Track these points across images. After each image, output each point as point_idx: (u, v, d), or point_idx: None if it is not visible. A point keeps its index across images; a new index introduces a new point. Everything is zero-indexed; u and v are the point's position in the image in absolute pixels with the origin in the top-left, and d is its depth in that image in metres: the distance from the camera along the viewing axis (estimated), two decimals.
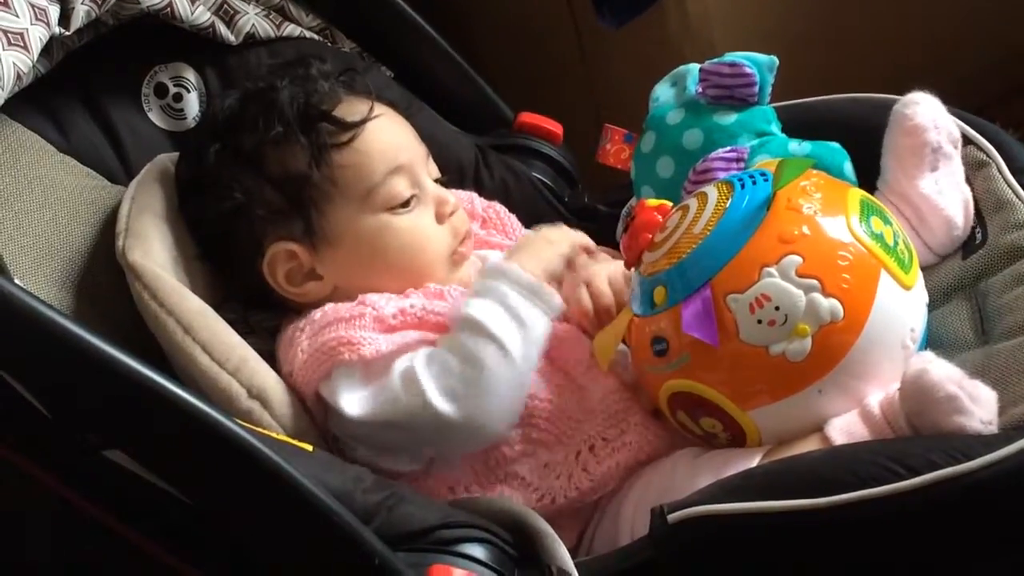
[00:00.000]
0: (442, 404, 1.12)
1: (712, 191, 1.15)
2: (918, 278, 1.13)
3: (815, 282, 1.06)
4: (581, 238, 1.28)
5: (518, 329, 1.14)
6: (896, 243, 1.12)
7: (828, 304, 1.06)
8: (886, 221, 1.13)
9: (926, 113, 1.22)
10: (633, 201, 1.36)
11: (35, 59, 1.17)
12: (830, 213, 1.10)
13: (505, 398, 1.15)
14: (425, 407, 1.12)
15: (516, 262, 1.18)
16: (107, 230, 1.24)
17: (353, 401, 1.14)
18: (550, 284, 1.19)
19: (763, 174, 1.14)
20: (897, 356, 1.09)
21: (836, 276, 1.07)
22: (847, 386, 1.08)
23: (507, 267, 1.17)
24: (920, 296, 1.13)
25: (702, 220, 1.13)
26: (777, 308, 1.06)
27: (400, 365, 1.14)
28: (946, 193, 1.21)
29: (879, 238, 1.10)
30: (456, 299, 1.20)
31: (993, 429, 1.01)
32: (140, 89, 1.34)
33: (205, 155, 1.24)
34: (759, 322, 1.07)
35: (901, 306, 1.10)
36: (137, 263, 1.18)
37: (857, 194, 1.15)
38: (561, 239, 1.25)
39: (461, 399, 1.12)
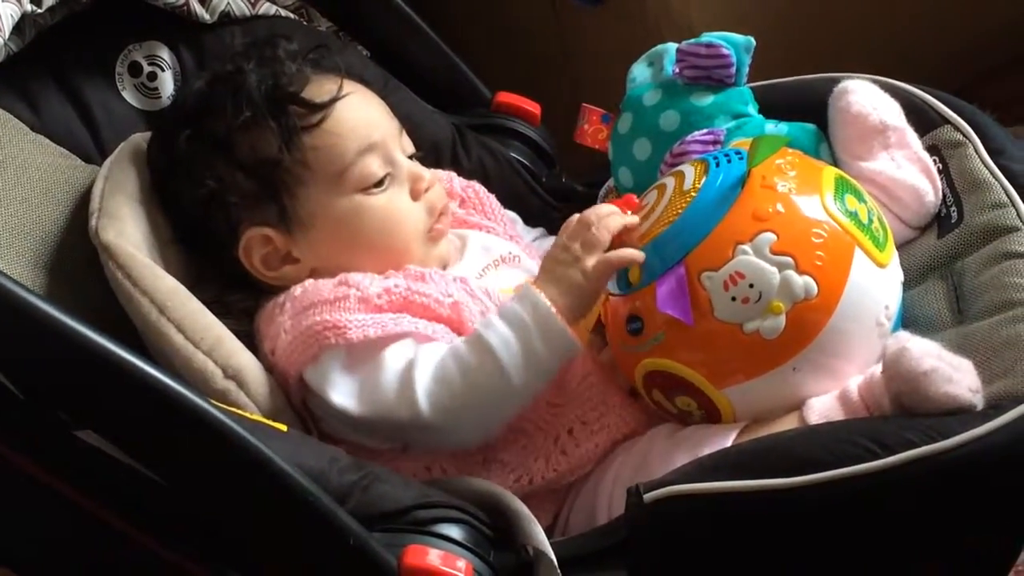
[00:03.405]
0: (430, 414, 1.11)
1: (688, 169, 1.15)
2: (893, 256, 1.13)
3: (789, 259, 1.07)
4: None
5: (532, 372, 1.12)
6: (871, 221, 1.12)
7: (802, 281, 1.06)
8: (861, 199, 1.13)
9: (862, 99, 1.22)
10: (611, 182, 1.36)
11: (7, 37, 1.16)
12: (805, 191, 1.10)
13: (495, 423, 1.15)
14: (411, 411, 1.11)
15: (553, 295, 1.13)
16: (80, 209, 1.22)
17: (340, 390, 1.14)
18: (579, 319, 1.15)
19: (738, 153, 1.14)
20: (872, 334, 1.09)
21: (810, 253, 1.07)
22: (821, 364, 1.08)
23: (543, 308, 1.12)
24: (895, 274, 1.13)
25: (677, 198, 1.13)
26: (751, 285, 1.07)
27: (398, 361, 1.13)
28: (904, 165, 1.21)
29: (854, 216, 1.10)
30: (438, 282, 1.19)
31: (980, 397, 1.01)
32: (114, 68, 1.32)
33: (176, 142, 1.23)
34: (733, 299, 1.07)
35: (875, 284, 1.10)
36: (111, 242, 1.17)
37: (832, 172, 1.15)
38: (596, 269, 1.14)
39: (451, 415, 1.12)
